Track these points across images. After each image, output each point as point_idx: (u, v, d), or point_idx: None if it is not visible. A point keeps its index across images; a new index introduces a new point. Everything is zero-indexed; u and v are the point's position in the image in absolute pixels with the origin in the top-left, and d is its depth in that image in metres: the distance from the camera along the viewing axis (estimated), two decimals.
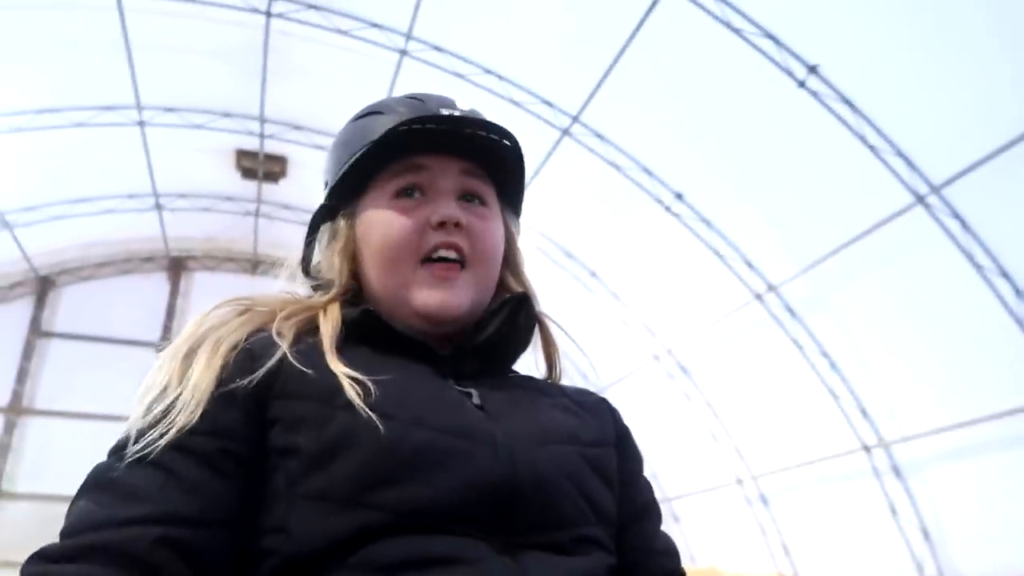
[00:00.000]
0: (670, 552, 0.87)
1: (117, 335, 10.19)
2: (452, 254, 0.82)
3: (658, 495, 0.93)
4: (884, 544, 6.66)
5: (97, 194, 8.90)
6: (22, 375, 9.85)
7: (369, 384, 0.71)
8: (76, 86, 7.24)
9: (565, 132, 7.19)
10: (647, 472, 0.94)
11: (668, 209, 7.21)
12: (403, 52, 6.88)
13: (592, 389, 0.98)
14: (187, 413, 0.69)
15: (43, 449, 9.54)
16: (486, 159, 0.88)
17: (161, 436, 0.68)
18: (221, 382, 0.71)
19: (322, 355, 0.75)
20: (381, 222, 0.84)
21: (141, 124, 7.79)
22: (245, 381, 0.72)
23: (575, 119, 7.09)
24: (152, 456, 0.67)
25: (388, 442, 0.69)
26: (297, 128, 8.21)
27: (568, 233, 8.40)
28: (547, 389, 0.88)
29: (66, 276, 10.36)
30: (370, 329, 0.80)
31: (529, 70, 6.94)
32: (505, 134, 0.86)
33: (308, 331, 0.79)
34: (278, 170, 8.99)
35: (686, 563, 0.90)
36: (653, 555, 0.84)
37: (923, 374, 6.17)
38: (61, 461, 9.19)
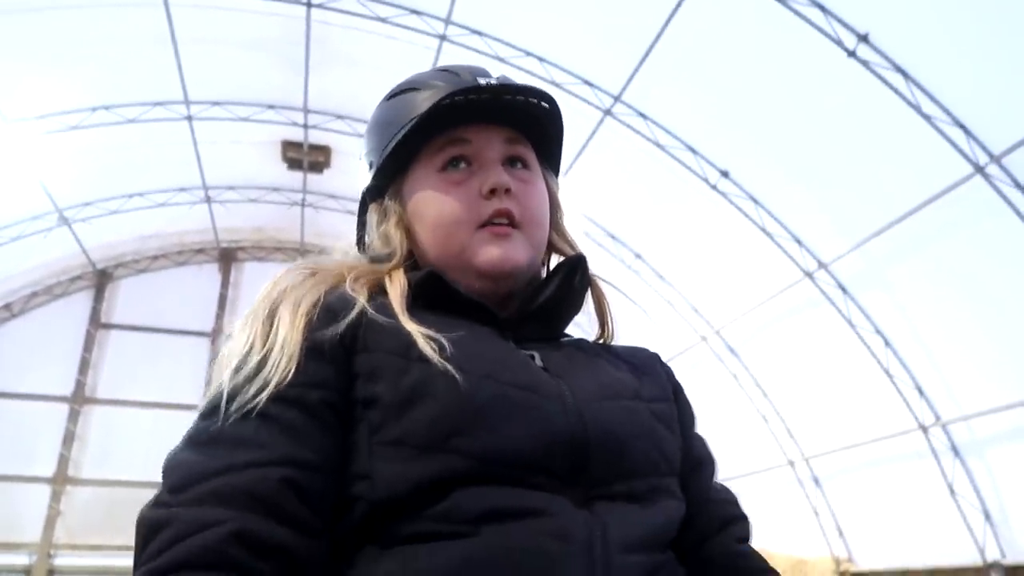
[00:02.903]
0: (730, 500, 0.89)
1: (172, 325, 10.52)
2: (504, 221, 0.85)
3: None
4: (943, 526, 6.50)
5: (150, 188, 9.15)
6: (84, 365, 10.22)
7: (443, 340, 0.73)
8: (127, 83, 7.43)
9: (607, 112, 7.11)
10: None
11: (714, 187, 7.09)
12: (443, 37, 6.88)
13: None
14: (281, 368, 0.70)
15: (106, 436, 9.88)
16: (525, 123, 0.90)
17: (259, 391, 0.69)
18: (307, 337, 0.73)
19: (394, 315, 0.77)
20: (433, 197, 0.86)
21: (189, 119, 7.96)
22: (330, 334, 0.74)
23: (617, 99, 7.00)
24: (256, 410, 0.68)
25: (463, 391, 0.70)
26: (340, 117, 8.30)
27: (611, 214, 8.33)
28: (601, 351, 0.90)
29: (123, 269, 10.70)
30: (435, 291, 0.83)
31: (569, 51, 6.88)
32: (543, 96, 0.87)
33: (376, 294, 0.81)
34: (322, 160, 9.12)
35: None
36: (712, 504, 0.87)
37: (982, 351, 5.98)
38: (123, 447, 9.54)
